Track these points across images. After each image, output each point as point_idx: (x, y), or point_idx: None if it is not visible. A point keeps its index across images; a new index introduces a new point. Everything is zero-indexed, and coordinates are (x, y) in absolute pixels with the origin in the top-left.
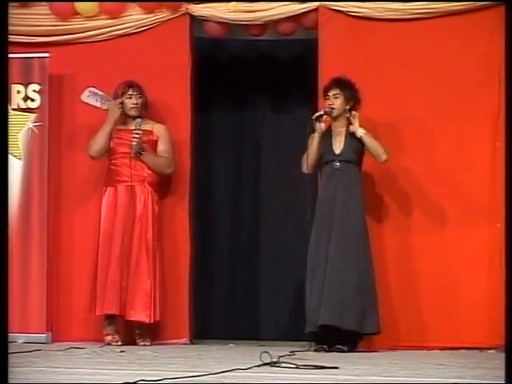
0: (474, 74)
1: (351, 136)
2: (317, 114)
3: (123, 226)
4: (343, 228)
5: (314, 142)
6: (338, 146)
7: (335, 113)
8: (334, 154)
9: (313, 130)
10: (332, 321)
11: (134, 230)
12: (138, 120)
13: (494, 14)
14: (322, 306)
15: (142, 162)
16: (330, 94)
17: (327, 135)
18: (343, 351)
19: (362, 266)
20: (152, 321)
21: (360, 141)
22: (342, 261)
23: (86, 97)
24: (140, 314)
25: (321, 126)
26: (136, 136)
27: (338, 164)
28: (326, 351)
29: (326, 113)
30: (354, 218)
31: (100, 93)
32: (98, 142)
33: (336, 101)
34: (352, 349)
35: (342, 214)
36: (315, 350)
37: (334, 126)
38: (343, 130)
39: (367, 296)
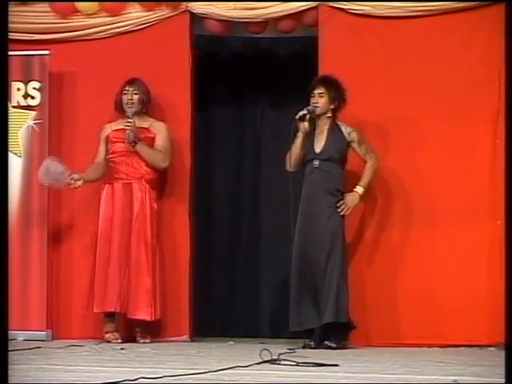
0: (474, 72)
1: (334, 134)
2: (300, 114)
3: (120, 224)
4: (318, 227)
5: (298, 141)
6: (319, 144)
7: (318, 111)
8: (315, 153)
9: (296, 129)
10: (314, 322)
11: (132, 228)
12: (130, 110)
13: (494, 12)
14: (304, 307)
15: (137, 152)
16: (316, 92)
17: (310, 133)
18: (330, 348)
19: (337, 265)
20: (153, 318)
21: (343, 140)
22: (317, 260)
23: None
24: (142, 312)
25: (304, 126)
26: (128, 124)
27: (317, 162)
28: (312, 348)
29: (309, 112)
30: (329, 217)
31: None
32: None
33: (320, 99)
34: (340, 345)
35: (317, 213)
36: (303, 347)
37: (318, 125)
38: (325, 129)
39: (340, 292)
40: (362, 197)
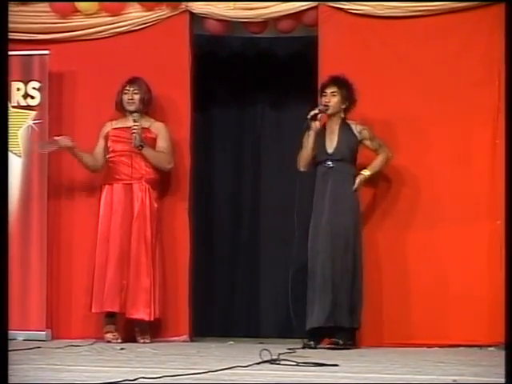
0: (474, 72)
1: (345, 133)
2: (312, 113)
3: (120, 224)
4: (334, 227)
5: (310, 140)
6: (331, 144)
7: (330, 110)
8: (327, 153)
9: (308, 129)
10: (326, 321)
11: (133, 228)
12: (135, 114)
13: (494, 11)
14: (317, 305)
15: (143, 156)
16: (328, 91)
17: (321, 133)
18: (338, 344)
19: (351, 265)
20: (152, 318)
21: (355, 138)
22: (332, 260)
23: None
24: (140, 311)
25: (316, 125)
26: (135, 128)
27: (330, 163)
28: (313, 347)
29: (320, 111)
30: (344, 216)
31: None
32: (87, 167)
33: (333, 99)
34: (346, 343)
35: (333, 212)
36: (303, 347)
37: (328, 125)
38: (336, 129)
39: (354, 294)
40: (369, 180)
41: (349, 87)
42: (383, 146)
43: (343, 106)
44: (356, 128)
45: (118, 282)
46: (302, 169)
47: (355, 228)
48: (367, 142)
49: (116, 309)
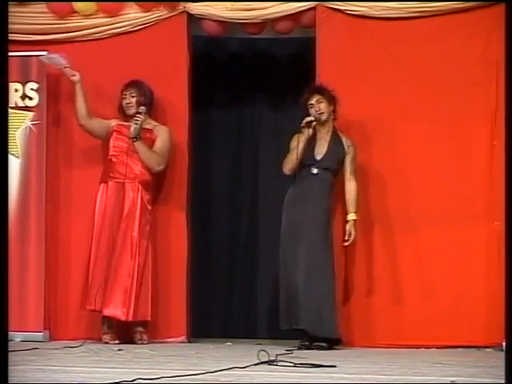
0: (472, 73)
1: (335, 144)
2: (307, 119)
3: (110, 223)
4: (307, 230)
5: (301, 145)
6: (320, 151)
7: (324, 117)
8: (315, 160)
9: (301, 133)
10: (303, 326)
11: (120, 227)
12: (142, 107)
13: (492, 12)
14: (294, 310)
15: (134, 152)
16: (313, 101)
17: (311, 138)
18: (323, 348)
19: (324, 273)
20: (129, 319)
21: (343, 152)
22: (306, 268)
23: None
24: (115, 309)
25: (309, 132)
26: (138, 118)
27: (316, 170)
28: (308, 348)
29: (316, 119)
30: (318, 223)
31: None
32: (78, 112)
33: (321, 105)
34: (331, 344)
35: (308, 216)
36: (298, 348)
37: (318, 131)
38: (328, 137)
39: (326, 301)
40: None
41: (328, 90)
42: (355, 173)
43: (331, 108)
44: (346, 142)
45: (98, 280)
46: (287, 172)
47: (325, 236)
48: (348, 160)
49: (97, 307)
